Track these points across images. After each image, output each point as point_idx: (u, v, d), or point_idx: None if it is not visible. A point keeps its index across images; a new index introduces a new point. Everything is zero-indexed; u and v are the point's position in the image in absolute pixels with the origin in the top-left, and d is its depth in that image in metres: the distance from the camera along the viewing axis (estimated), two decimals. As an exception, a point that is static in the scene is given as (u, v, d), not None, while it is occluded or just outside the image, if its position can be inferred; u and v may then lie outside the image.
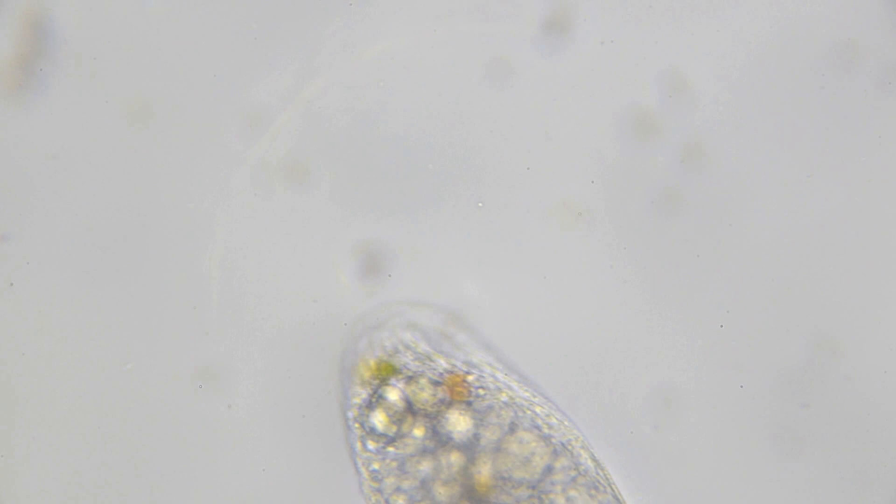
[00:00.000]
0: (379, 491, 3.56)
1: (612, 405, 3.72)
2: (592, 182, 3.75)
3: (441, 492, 3.50)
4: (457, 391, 3.51)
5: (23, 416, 3.73)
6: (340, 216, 3.76)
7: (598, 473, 3.57)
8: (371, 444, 3.58)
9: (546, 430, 3.56)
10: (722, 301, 3.73)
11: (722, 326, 3.72)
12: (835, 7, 3.77)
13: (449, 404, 3.52)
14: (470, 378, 3.56)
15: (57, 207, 3.76)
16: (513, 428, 3.54)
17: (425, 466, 3.52)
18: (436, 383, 3.54)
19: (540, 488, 3.50)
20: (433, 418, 3.52)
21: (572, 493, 3.52)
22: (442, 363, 3.59)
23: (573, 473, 3.54)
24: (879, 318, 3.73)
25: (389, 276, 3.73)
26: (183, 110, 3.78)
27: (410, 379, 3.56)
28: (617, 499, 3.57)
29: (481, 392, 3.55)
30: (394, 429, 3.53)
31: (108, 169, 3.77)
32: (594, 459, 3.59)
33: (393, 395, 3.54)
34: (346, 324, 3.70)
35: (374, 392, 3.53)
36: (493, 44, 3.78)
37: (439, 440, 3.51)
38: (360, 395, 3.60)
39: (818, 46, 3.77)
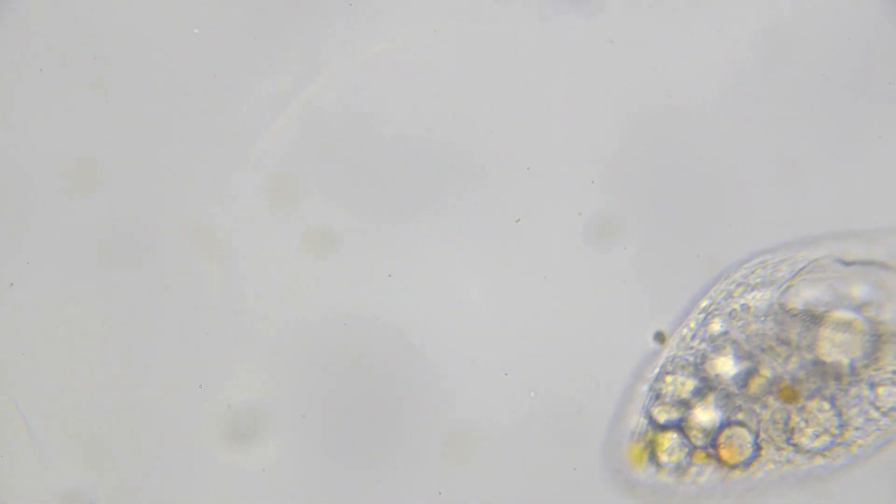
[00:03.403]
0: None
1: (612, 406, 3.72)
2: (592, 182, 3.75)
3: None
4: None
5: (22, 416, 3.73)
6: (340, 216, 3.76)
7: None
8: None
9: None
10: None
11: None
12: (834, 5, 3.77)
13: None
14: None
15: (57, 207, 3.76)
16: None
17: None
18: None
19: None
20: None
21: None
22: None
23: None
24: (879, 318, 3.73)
25: (390, 275, 3.73)
26: (182, 110, 3.78)
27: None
28: None
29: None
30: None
31: (108, 168, 3.77)
32: None
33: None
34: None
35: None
36: (494, 44, 3.78)
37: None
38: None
39: (817, 45, 3.76)
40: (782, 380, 3.44)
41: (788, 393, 3.43)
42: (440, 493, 3.71)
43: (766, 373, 3.46)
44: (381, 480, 3.72)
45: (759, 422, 3.46)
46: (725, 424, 3.47)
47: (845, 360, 3.45)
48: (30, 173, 3.77)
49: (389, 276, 3.74)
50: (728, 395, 3.48)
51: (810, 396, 3.45)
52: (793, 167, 3.75)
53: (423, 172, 3.76)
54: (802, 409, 3.45)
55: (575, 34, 3.78)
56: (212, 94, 3.77)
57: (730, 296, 3.58)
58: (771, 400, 3.45)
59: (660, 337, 3.53)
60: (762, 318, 3.52)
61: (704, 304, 3.60)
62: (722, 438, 3.46)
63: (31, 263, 3.74)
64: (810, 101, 3.76)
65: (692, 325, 3.59)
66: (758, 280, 3.59)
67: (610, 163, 3.75)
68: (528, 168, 3.76)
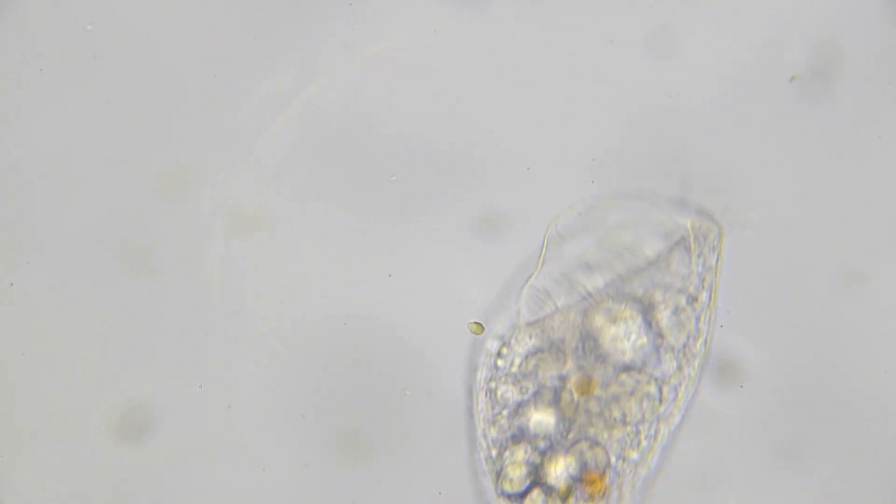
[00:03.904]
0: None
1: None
2: (592, 182, 3.75)
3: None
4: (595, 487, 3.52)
5: (23, 416, 3.73)
6: (341, 217, 3.77)
7: None
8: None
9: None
10: (721, 301, 3.73)
11: (722, 326, 3.72)
12: (834, 5, 3.77)
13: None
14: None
15: (57, 207, 3.76)
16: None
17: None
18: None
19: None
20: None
21: None
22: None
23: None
24: (880, 319, 3.73)
25: (390, 275, 3.73)
26: (182, 110, 3.78)
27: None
28: None
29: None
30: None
31: (108, 168, 3.77)
32: None
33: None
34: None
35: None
36: (494, 44, 3.78)
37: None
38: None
39: (817, 45, 3.77)
40: (571, 378, 3.51)
41: (584, 385, 3.48)
42: (440, 493, 3.71)
43: (569, 385, 3.53)
44: (381, 480, 3.72)
45: (590, 424, 3.51)
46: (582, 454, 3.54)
47: (642, 341, 3.53)
48: (30, 173, 3.77)
49: (389, 276, 3.74)
50: (568, 423, 3.54)
51: (606, 378, 3.50)
52: (792, 167, 3.75)
53: (423, 172, 3.76)
54: (608, 387, 3.50)
55: (575, 34, 3.78)
56: (212, 94, 3.78)
57: (496, 367, 3.65)
58: (578, 400, 3.51)
59: (476, 327, 3.58)
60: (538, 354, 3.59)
61: (481, 379, 3.67)
62: (587, 468, 3.52)
63: (31, 263, 3.75)
64: (810, 100, 3.76)
65: (485, 407, 3.65)
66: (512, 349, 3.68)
67: (610, 163, 3.75)
68: (528, 168, 3.76)
